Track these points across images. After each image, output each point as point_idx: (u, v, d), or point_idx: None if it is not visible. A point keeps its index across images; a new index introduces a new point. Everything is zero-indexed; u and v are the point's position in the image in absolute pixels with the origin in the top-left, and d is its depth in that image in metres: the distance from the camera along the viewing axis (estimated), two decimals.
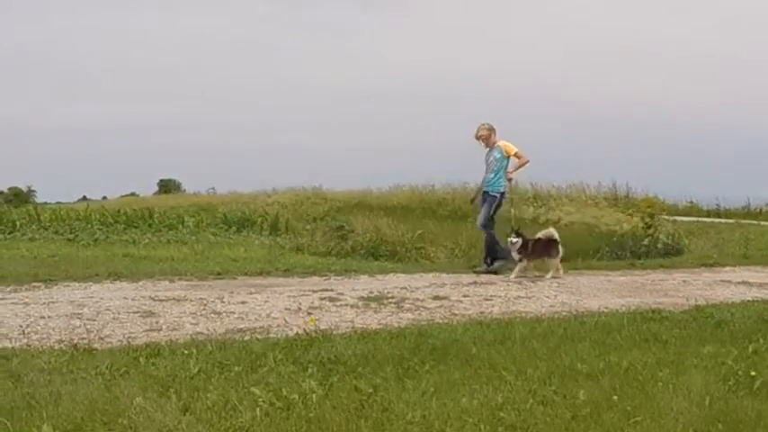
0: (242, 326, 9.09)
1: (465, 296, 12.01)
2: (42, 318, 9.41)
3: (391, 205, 29.84)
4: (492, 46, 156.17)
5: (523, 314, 10.14)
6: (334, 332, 8.35)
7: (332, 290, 12.25)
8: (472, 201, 16.99)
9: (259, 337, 8.17)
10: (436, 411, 5.40)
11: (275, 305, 10.62)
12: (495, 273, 15.29)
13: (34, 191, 76.61)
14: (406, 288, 12.71)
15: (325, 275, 14.42)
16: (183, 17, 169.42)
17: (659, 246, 20.04)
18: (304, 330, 8.24)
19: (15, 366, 6.55)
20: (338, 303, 10.96)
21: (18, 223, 23.87)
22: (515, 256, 14.85)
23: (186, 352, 7.04)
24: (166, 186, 69.25)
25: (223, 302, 10.77)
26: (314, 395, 5.63)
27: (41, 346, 7.57)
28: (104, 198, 63.04)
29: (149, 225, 24.40)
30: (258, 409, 5.29)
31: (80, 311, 9.89)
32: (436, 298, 11.71)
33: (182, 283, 12.85)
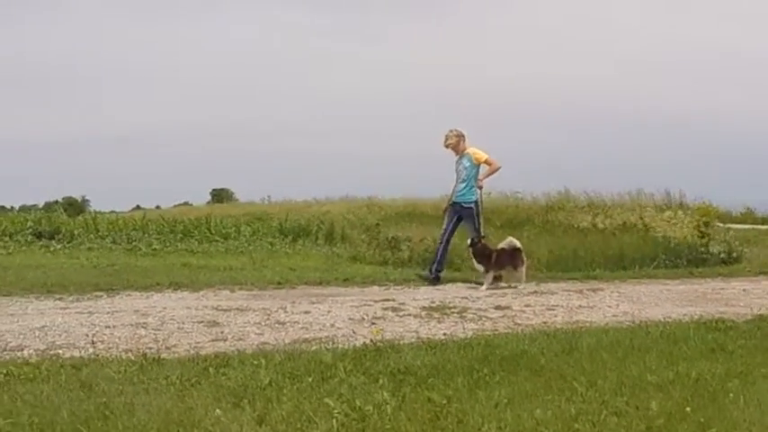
0: (307, 336, 9.05)
1: (527, 306, 11.90)
2: (108, 327, 9.45)
3: (441, 214, 29.67)
4: (541, 57, 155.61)
5: (587, 324, 10.03)
6: (400, 342, 8.28)
7: (393, 299, 12.20)
8: (444, 211, 15.76)
9: (326, 347, 8.10)
10: (511, 423, 5.31)
11: (339, 315, 10.58)
12: (426, 279, 14.88)
13: (88, 200, 77.35)
14: (467, 298, 12.66)
15: (385, 285, 14.39)
16: (236, 29, 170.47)
17: (716, 254, 19.70)
18: (371, 341, 8.17)
19: (86, 376, 6.55)
20: (401, 313, 10.90)
21: (76, 232, 24.06)
22: (479, 267, 14.36)
23: (256, 362, 6.99)
24: (219, 196, 69.50)
25: (286, 312, 10.75)
26: (388, 406, 5.56)
27: (109, 356, 7.59)
28: (158, 207, 63.58)
29: (206, 234, 24.50)
30: (334, 420, 5.23)
31: (145, 321, 9.92)
32: (498, 308, 11.62)
33: (242, 293, 12.86)
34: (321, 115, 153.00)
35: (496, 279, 14.43)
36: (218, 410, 5.33)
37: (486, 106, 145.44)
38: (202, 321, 9.93)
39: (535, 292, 13.73)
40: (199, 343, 8.57)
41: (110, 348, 8.15)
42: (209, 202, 63.86)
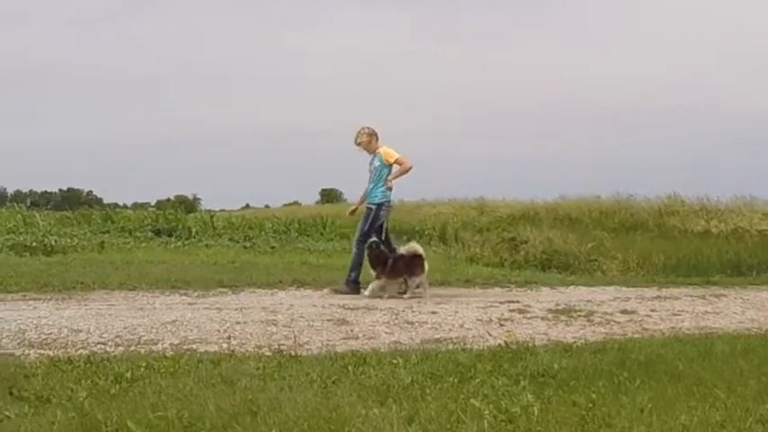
0: (437, 336, 9.04)
1: (653, 311, 11.80)
2: (238, 323, 9.49)
3: (557, 216, 29.43)
4: (643, 56, 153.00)
5: (714, 330, 9.92)
6: (531, 344, 8.15)
7: (518, 301, 12.13)
8: (351, 212, 15.08)
9: (457, 347, 8.08)
10: (658, 429, 5.19)
11: (466, 316, 10.53)
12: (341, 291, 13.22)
13: (200, 199, 78.56)
14: (591, 301, 12.52)
15: (507, 287, 14.44)
16: (338, 34, 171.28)
17: None
18: (505, 342, 8.06)
19: (225, 371, 6.56)
20: (528, 315, 10.84)
21: (193, 230, 24.43)
22: (372, 272, 13.07)
23: (394, 362, 6.96)
24: (328, 195, 69.94)
25: (414, 312, 10.72)
26: (533, 408, 5.45)
27: (244, 352, 7.64)
28: (267, 206, 64.22)
29: (321, 233, 24.66)
30: (485, 421, 5.13)
31: (274, 318, 9.95)
32: (624, 312, 11.51)
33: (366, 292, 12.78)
34: (425, 117, 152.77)
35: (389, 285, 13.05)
36: (373, 410, 5.25)
37: (590, 107, 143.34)
38: (331, 319, 9.94)
39: (658, 297, 13.55)
40: (330, 341, 8.59)
41: (243, 344, 8.21)
42: (318, 202, 64.34)
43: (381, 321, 9.92)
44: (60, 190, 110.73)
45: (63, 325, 9.13)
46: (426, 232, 26.14)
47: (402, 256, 13.14)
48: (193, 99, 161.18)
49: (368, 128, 13.78)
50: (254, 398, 5.54)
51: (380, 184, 13.46)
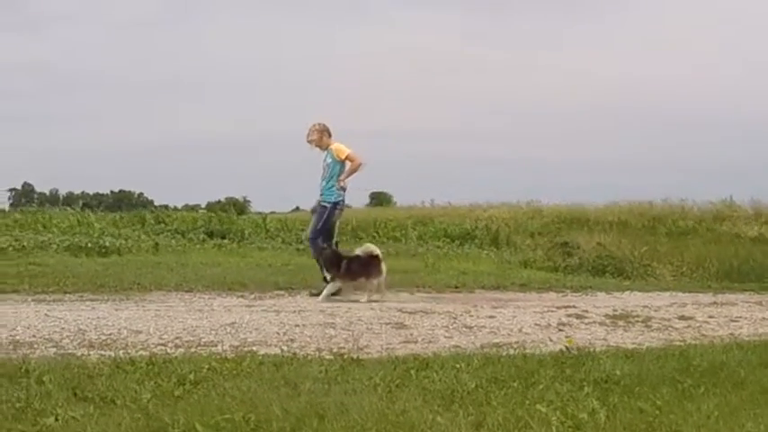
0: (497, 340, 8.98)
1: (710, 317, 11.69)
2: (297, 326, 9.53)
3: (609, 221, 29.23)
4: (698, 57, 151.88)
5: None
6: (591, 350, 8.13)
7: (574, 306, 12.09)
8: (312, 211, 13.99)
9: (517, 352, 8.03)
10: None
11: (524, 320, 10.50)
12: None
13: (250, 201, 78.71)
14: (647, 307, 12.44)
15: (562, 291, 14.35)
16: (388, 35, 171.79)
17: None
18: (565, 348, 8.03)
19: (288, 374, 6.57)
20: (586, 321, 10.79)
21: (246, 232, 24.52)
22: (326, 274, 12.55)
23: (457, 366, 6.95)
24: (378, 198, 69.85)
25: (471, 316, 10.71)
26: (600, 415, 5.44)
27: (305, 354, 7.63)
28: None
29: (373, 236, 24.67)
30: (553, 427, 5.14)
31: (333, 321, 9.98)
32: (682, 318, 11.42)
33: (422, 295, 13.01)
34: (475, 119, 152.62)
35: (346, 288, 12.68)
36: (440, 415, 5.22)
37: (641, 109, 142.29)
38: (389, 323, 9.95)
39: (714, 303, 13.48)
40: (390, 344, 8.57)
41: (303, 347, 8.20)
42: (367, 205, 64.33)
43: (440, 325, 9.89)
44: (112, 192, 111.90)
45: (122, 326, 9.21)
46: (478, 236, 26.11)
47: (358, 257, 12.78)
48: (242, 102, 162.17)
49: (318, 124, 13.43)
50: (320, 401, 5.54)
51: (333, 181, 13.09)
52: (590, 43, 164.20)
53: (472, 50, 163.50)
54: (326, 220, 13.05)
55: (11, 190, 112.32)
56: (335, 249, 12.91)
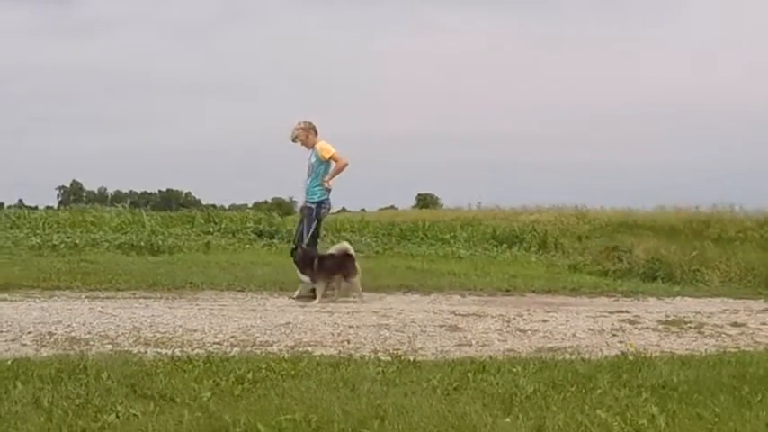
0: (551, 345, 8.96)
1: (763, 324, 11.51)
2: (351, 327, 9.57)
3: (657, 225, 28.98)
4: (747, 62, 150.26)
5: None
6: (646, 355, 8.06)
7: (627, 311, 12.00)
8: (301, 210, 13.54)
9: (573, 357, 8.03)
10: None
11: (577, 325, 10.44)
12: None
13: (296, 201, 78.88)
14: (699, 313, 12.31)
15: (613, 296, 14.24)
16: (440, 39, 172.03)
17: None
18: (622, 353, 7.96)
19: (346, 375, 6.59)
20: (639, 326, 10.69)
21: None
22: (303, 277, 12.26)
23: (514, 370, 6.95)
24: (425, 200, 69.84)
25: (524, 320, 10.68)
26: (659, 421, 5.43)
27: (360, 356, 7.65)
28: (362, 210, 64.30)
29: (422, 238, 24.67)
30: None
31: (386, 322, 10.02)
32: (735, 324, 11.28)
33: (473, 298, 12.95)
34: (528, 123, 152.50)
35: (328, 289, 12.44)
36: (501, 419, 5.22)
37: (690, 114, 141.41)
38: (443, 325, 9.94)
39: (765, 310, 13.29)
40: (445, 347, 8.57)
41: (358, 348, 8.24)
42: (414, 207, 64.26)
43: (493, 328, 9.88)
44: (159, 191, 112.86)
45: (177, 324, 9.32)
46: (526, 239, 26.03)
47: (332, 255, 12.56)
48: (292, 104, 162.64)
49: (303, 122, 13.07)
50: (380, 403, 5.56)
51: (318, 180, 12.74)
52: (637, 47, 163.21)
53: (524, 55, 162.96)
54: (313, 220, 12.77)
55: (60, 188, 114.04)
56: (306, 248, 12.53)
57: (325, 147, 12.73)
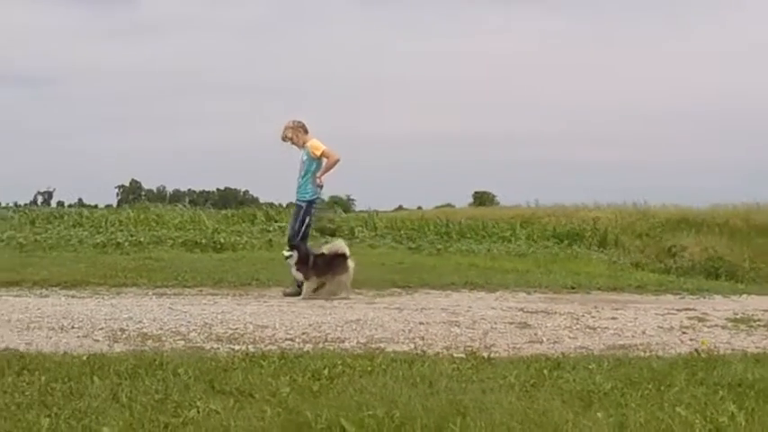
0: (621, 342, 8.89)
1: None
2: (421, 324, 9.59)
3: (716, 223, 28.71)
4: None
5: None
6: (720, 353, 7.96)
7: (694, 309, 11.88)
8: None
9: (646, 354, 7.99)
10: None
11: (646, 322, 10.35)
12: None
13: (353, 199, 78.94)
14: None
15: (679, 294, 14.10)
16: (490, 39, 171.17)
17: None
18: (696, 350, 7.86)
19: (422, 371, 6.59)
20: (708, 324, 10.55)
21: (356, 230, 24.69)
22: (296, 274, 12.38)
23: (589, 367, 6.92)
24: (481, 198, 69.74)
25: (593, 317, 10.62)
26: (739, 419, 5.34)
27: (433, 352, 7.66)
28: (419, 208, 64.26)
29: (482, 235, 24.67)
30: (697, 430, 5.09)
31: (456, 319, 10.02)
32: None
33: (539, 296, 12.95)
34: (582, 123, 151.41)
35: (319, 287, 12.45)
36: (582, 416, 5.23)
37: (744, 113, 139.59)
38: (513, 322, 9.93)
39: None
40: (516, 344, 8.56)
41: (430, 345, 8.25)
42: (470, 205, 64.20)
43: (563, 326, 9.85)
44: (218, 189, 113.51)
45: (247, 320, 9.43)
46: (587, 236, 25.93)
47: (323, 254, 12.71)
48: (342, 105, 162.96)
49: (293, 121, 13.10)
50: (459, 399, 5.55)
51: (308, 178, 12.83)
52: (689, 47, 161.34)
53: (576, 55, 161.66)
54: (304, 217, 12.86)
55: (119, 186, 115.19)
56: (301, 246, 12.61)
57: (315, 144, 12.82)
